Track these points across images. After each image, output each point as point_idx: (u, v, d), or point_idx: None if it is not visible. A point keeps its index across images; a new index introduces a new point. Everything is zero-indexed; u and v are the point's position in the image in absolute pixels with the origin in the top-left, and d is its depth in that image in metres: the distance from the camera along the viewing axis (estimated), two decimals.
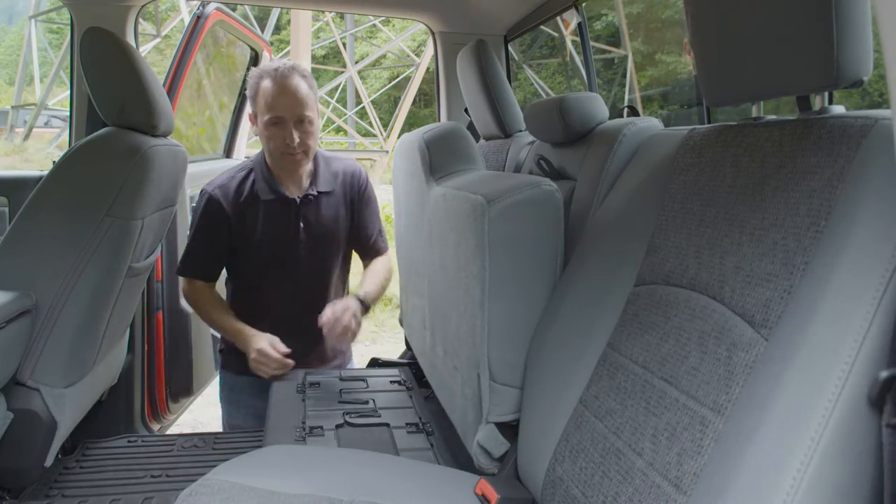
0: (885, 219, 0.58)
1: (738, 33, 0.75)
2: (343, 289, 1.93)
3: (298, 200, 1.71)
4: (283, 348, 1.59)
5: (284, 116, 1.60)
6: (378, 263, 1.85)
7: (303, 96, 1.61)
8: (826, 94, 0.73)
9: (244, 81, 2.83)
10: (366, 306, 1.69)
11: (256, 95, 1.64)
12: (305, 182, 1.74)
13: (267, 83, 1.61)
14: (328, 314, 1.59)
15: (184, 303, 2.19)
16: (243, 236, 1.70)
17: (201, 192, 1.72)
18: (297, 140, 1.60)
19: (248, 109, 2.65)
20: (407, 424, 1.44)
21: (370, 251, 1.86)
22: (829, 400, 0.56)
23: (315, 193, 1.73)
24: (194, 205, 2.31)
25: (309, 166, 1.73)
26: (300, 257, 1.74)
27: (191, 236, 1.74)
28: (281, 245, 1.72)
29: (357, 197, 1.80)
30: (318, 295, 1.79)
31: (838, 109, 0.72)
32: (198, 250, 1.73)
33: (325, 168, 1.77)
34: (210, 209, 1.68)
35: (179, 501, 0.90)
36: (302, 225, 1.72)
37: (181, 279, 1.80)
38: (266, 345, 1.58)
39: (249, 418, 1.76)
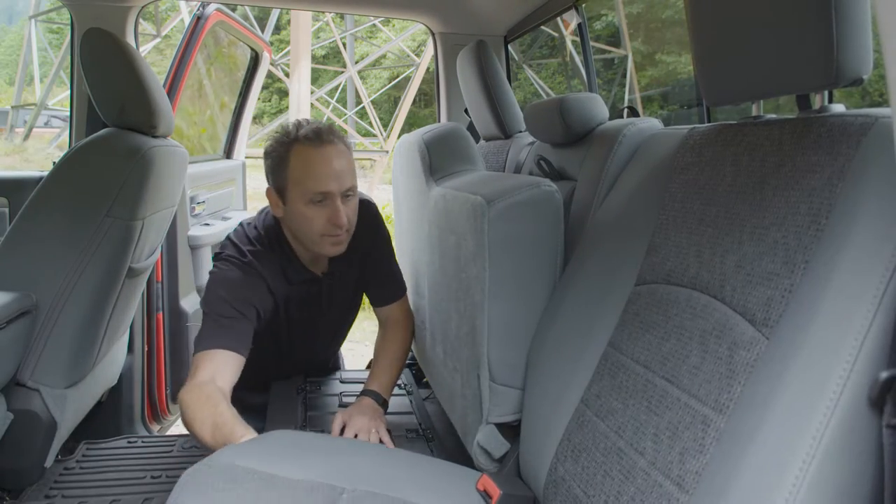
0: (886, 218, 0.58)
1: (737, 32, 0.75)
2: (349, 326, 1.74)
3: (322, 278, 1.49)
4: None
5: (333, 192, 1.31)
6: (392, 339, 1.54)
7: (349, 164, 1.35)
8: (826, 92, 0.73)
9: (244, 81, 2.84)
10: (383, 401, 1.42)
11: (287, 167, 1.32)
12: (325, 259, 1.46)
13: (305, 151, 1.31)
14: (339, 422, 1.32)
15: (184, 303, 2.19)
16: (262, 309, 1.39)
17: (218, 253, 1.42)
18: (345, 219, 1.33)
19: (249, 107, 2.59)
20: (407, 431, 1.43)
21: (380, 300, 1.58)
22: (831, 399, 0.56)
23: (337, 268, 1.49)
24: (196, 204, 2.31)
25: None
26: (318, 327, 1.57)
27: (227, 297, 1.33)
28: (298, 326, 1.52)
29: (370, 246, 1.52)
30: (318, 360, 1.71)
31: (838, 108, 0.72)
32: (228, 321, 1.31)
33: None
34: (246, 270, 1.37)
35: (182, 481, 0.90)
36: (322, 303, 1.52)
37: (194, 368, 1.27)
38: None
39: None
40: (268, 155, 1.36)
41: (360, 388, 1.60)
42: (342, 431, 1.31)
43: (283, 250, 1.43)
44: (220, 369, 1.25)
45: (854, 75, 0.66)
